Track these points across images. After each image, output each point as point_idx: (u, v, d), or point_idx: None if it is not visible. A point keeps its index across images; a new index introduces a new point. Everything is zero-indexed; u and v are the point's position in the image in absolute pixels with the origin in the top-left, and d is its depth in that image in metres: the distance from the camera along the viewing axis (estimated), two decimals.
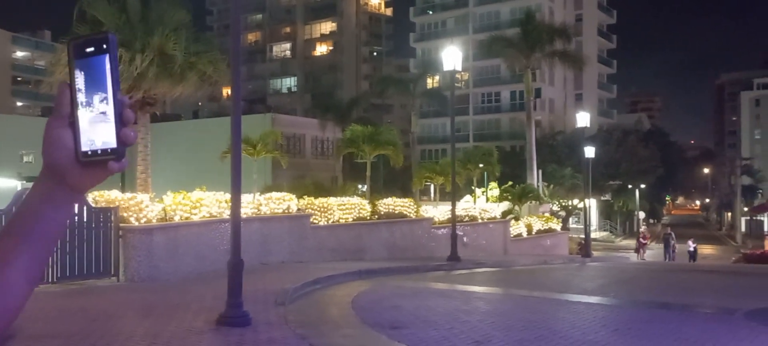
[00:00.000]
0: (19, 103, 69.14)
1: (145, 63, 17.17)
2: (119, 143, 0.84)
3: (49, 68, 25.46)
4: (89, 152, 0.84)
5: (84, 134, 0.84)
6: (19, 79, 70.29)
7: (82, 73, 0.85)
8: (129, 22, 18.00)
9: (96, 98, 0.84)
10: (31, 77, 69.49)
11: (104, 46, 0.85)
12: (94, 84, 0.84)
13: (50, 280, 10.86)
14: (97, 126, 0.84)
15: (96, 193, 12.15)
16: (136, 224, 12.08)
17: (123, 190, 14.94)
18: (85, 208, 11.43)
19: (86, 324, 8.07)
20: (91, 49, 0.85)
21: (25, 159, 40.12)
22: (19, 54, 70.28)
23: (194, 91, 19.50)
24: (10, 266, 0.84)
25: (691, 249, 34.78)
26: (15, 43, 69.20)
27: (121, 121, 0.84)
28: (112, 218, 11.81)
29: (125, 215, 12.02)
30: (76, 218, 11.28)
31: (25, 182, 28.74)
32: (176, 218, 12.97)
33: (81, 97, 0.84)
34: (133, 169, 18.73)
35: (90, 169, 0.85)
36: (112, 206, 11.93)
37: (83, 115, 0.84)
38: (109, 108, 0.84)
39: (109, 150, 0.84)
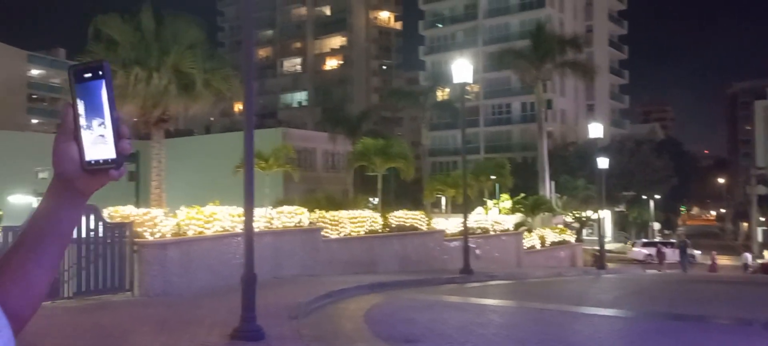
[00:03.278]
0: (34, 121, 69.98)
1: (164, 81, 17.40)
2: (118, 154, 0.98)
3: (64, 86, 25.84)
4: (92, 162, 0.97)
5: (87, 149, 0.97)
6: (34, 96, 71.18)
7: (83, 101, 0.97)
8: (144, 40, 18.21)
9: (95, 122, 0.97)
10: (46, 95, 70.39)
11: (100, 72, 0.97)
12: (93, 109, 0.97)
13: (66, 295, 10.94)
14: (97, 144, 0.97)
15: (111, 209, 12.26)
16: (151, 238, 12.16)
17: (137, 205, 15.06)
18: (100, 224, 11.53)
19: (101, 340, 8.12)
20: (89, 74, 0.97)
21: (41, 176, 40.54)
22: (35, 72, 71.20)
23: (209, 107, 19.68)
24: (34, 262, 1.00)
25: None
26: (31, 61, 70.14)
27: (118, 135, 0.97)
28: (127, 233, 11.90)
29: (140, 230, 12.11)
30: (92, 233, 11.38)
31: (40, 198, 28.99)
32: (190, 233, 13.05)
33: (82, 121, 0.97)
34: (148, 184, 18.88)
35: (94, 176, 0.99)
36: (126, 221, 12.02)
37: (86, 136, 0.97)
38: (108, 130, 0.97)
39: (110, 160, 0.97)
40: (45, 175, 40.86)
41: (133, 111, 18.67)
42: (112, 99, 0.97)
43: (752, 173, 71.65)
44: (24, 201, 31.07)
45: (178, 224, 12.97)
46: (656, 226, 65.43)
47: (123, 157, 0.98)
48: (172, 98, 17.95)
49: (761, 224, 66.53)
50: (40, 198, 1.05)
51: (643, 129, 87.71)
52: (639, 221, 64.97)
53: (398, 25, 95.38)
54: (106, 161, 0.97)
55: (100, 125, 0.96)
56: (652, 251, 38.26)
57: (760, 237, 65.50)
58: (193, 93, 18.27)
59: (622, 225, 65.48)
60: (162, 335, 8.35)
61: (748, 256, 35.95)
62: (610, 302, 14.28)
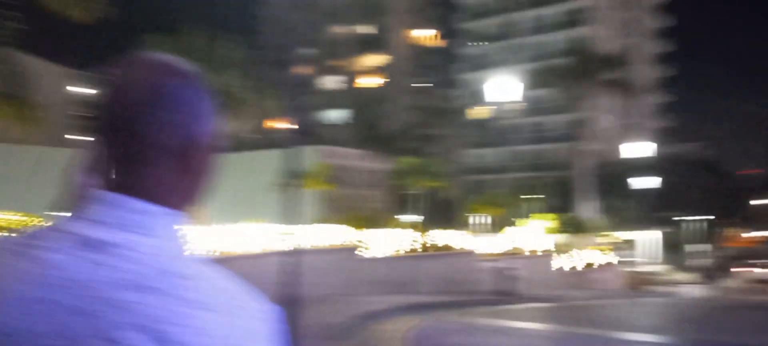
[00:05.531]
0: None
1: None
2: None
3: None
4: None
5: None
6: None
7: None
8: (188, 59, 18.65)
9: None
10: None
11: None
12: None
13: None
14: None
15: None
16: None
17: None
18: None
19: None
20: None
21: None
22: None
23: (248, 124, 20.01)
24: None
25: None
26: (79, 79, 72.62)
27: None
28: None
29: None
30: None
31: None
32: (226, 250, 13.14)
33: None
34: None
35: None
36: None
37: None
38: None
39: None
40: None
41: None
42: None
43: None
44: None
45: (213, 241, 13.08)
46: (701, 247, 63.42)
47: None
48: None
49: None
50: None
51: (688, 148, 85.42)
52: (685, 241, 63.13)
53: (437, 44, 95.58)
54: None
55: None
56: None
57: None
58: (234, 110, 18.57)
59: (668, 246, 63.70)
60: None
61: None
62: (654, 328, 13.81)
